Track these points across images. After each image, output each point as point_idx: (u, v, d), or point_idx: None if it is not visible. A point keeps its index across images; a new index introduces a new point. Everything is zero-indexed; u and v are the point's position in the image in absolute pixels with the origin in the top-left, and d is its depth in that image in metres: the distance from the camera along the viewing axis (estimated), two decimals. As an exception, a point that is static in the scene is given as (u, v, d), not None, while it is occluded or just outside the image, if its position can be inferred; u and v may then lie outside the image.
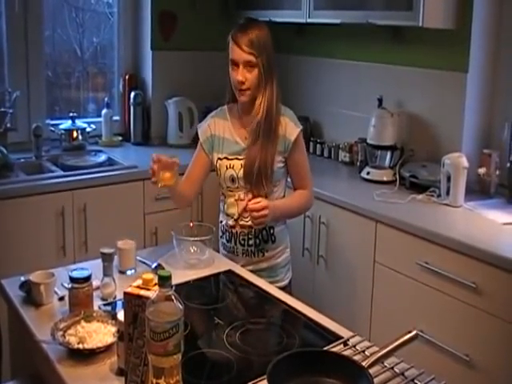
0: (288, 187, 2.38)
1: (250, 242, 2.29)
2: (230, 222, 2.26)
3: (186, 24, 3.89)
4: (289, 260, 2.41)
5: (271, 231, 2.30)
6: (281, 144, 2.24)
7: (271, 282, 2.16)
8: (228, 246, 2.34)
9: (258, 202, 2.10)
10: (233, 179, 2.27)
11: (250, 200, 2.13)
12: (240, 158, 2.25)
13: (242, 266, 2.24)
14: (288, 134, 2.24)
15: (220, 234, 2.39)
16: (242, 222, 2.23)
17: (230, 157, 2.27)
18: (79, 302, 1.71)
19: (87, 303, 1.73)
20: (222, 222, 2.37)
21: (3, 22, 3.38)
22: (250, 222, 2.18)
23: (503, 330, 2.16)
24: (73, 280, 1.72)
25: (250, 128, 2.24)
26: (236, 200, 2.25)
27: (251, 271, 2.19)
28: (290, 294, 2.12)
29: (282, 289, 2.21)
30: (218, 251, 2.39)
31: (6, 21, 3.38)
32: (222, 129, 2.31)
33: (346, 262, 2.82)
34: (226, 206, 2.32)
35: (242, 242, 2.30)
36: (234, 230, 2.29)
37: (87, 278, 1.73)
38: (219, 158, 2.29)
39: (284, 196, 2.35)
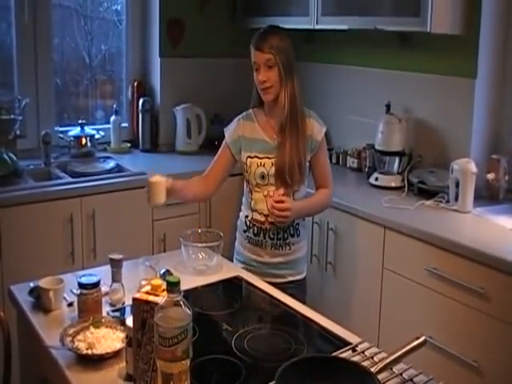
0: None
1: (279, 236, 2.38)
2: (262, 219, 2.36)
3: (194, 31, 3.90)
4: (306, 254, 2.55)
5: (297, 226, 2.41)
6: (308, 144, 2.35)
7: (293, 274, 2.43)
8: (256, 239, 2.40)
9: (282, 203, 2.23)
10: (263, 176, 2.35)
11: (276, 197, 2.26)
12: (271, 157, 2.34)
13: (268, 258, 2.39)
14: (315, 135, 2.37)
15: (243, 228, 2.45)
16: (270, 219, 2.33)
17: (260, 155, 2.36)
18: (88, 307, 1.72)
19: (96, 309, 1.73)
20: (247, 216, 2.44)
21: (13, 30, 3.41)
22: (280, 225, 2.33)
23: (513, 336, 2.15)
24: (82, 286, 1.72)
25: (278, 124, 2.34)
26: (265, 196, 2.35)
27: (276, 264, 2.38)
28: (305, 287, 2.47)
29: (302, 280, 2.48)
30: (234, 247, 2.53)
31: (15, 29, 3.41)
32: (249, 130, 2.41)
33: (355, 268, 2.82)
34: (253, 201, 2.40)
35: (272, 236, 2.38)
36: (263, 226, 2.37)
37: (96, 284, 1.73)
38: (249, 157, 2.38)
39: (305, 195, 2.44)
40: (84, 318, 1.69)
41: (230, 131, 2.45)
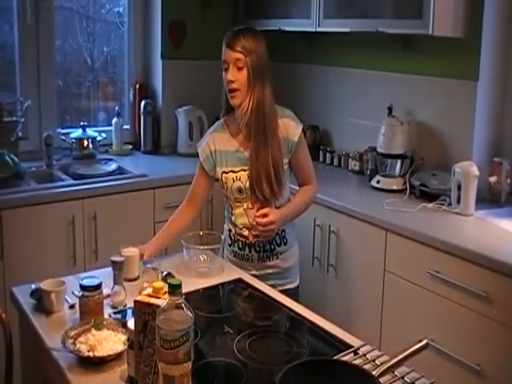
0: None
1: (266, 248, 2.31)
2: (245, 233, 2.27)
3: (195, 33, 3.91)
4: (297, 261, 2.45)
5: (283, 234, 2.33)
6: (284, 146, 2.25)
7: (284, 284, 2.32)
8: (241, 253, 2.33)
9: (265, 216, 2.15)
10: (240, 190, 2.26)
11: (257, 210, 2.18)
12: (246, 169, 2.24)
13: (256, 271, 2.30)
14: (291, 135, 2.26)
15: (229, 242, 2.37)
16: (254, 232, 2.25)
17: (235, 169, 2.27)
18: (90, 310, 1.72)
19: (97, 311, 1.73)
20: (230, 231, 2.36)
21: (15, 32, 3.42)
22: (266, 239, 2.26)
23: (515, 339, 2.15)
24: (83, 288, 1.72)
25: (249, 133, 2.23)
26: (245, 209, 2.26)
27: (266, 275, 2.27)
28: (298, 296, 2.30)
29: (295, 289, 2.37)
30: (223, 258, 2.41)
31: (18, 31, 3.42)
32: (222, 142, 2.30)
33: (356, 270, 2.81)
34: (234, 216, 2.31)
35: (258, 249, 2.31)
36: (248, 241, 2.29)
37: (97, 286, 1.73)
38: (224, 172, 2.29)
39: (289, 196, 2.36)
40: (85, 320, 1.69)
41: (201, 147, 2.34)
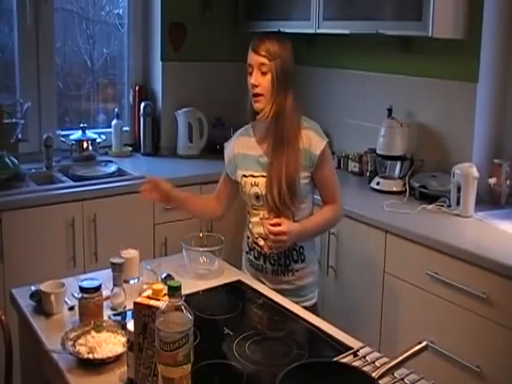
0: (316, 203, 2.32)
1: (281, 262, 2.22)
2: (260, 243, 2.19)
3: (195, 35, 3.91)
4: (316, 278, 2.34)
5: (301, 250, 2.23)
6: (305, 158, 2.16)
7: (299, 302, 2.11)
8: (256, 263, 2.27)
9: (277, 225, 2.04)
10: (257, 197, 2.21)
11: (270, 220, 2.09)
12: (265, 175, 2.18)
13: (270, 284, 2.21)
14: (313, 148, 2.16)
15: (246, 249, 2.33)
16: (270, 243, 2.12)
17: (255, 174, 2.22)
18: (89, 311, 1.72)
19: (97, 313, 1.73)
20: (248, 238, 2.31)
21: (15, 33, 3.43)
22: (277, 251, 2.17)
23: (514, 341, 2.15)
24: (83, 290, 1.72)
25: (273, 139, 2.18)
26: (261, 219, 2.17)
27: (279, 291, 2.11)
28: (317, 313, 2.05)
29: (312, 307, 2.22)
30: (240, 268, 2.36)
31: (17, 33, 3.42)
32: (246, 146, 2.28)
33: (356, 272, 2.81)
34: (250, 224, 2.27)
35: (272, 262, 2.22)
36: (263, 251, 2.21)
37: (97, 288, 1.73)
38: (244, 176, 2.25)
39: (312, 213, 2.27)
40: (85, 321, 1.69)
41: (227, 150, 2.35)
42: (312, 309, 2.17)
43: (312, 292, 2.30)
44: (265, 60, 2.13)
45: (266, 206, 2.18)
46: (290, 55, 2.21)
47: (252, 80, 2.16)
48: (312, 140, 2.17)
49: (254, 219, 2.23)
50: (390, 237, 2.60)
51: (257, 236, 2.22)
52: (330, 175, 2.24)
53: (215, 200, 2.37)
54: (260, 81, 2.15)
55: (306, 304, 2.20)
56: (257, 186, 2.20)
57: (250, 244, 2.30)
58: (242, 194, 2.28)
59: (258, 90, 2.15)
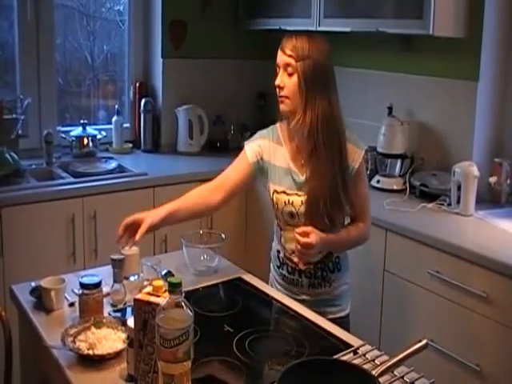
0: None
1: (317, 274, 2.08)
2: (294, 259, 2.04)
3: (196, 32, 3.90)
4: (350, 286, 2.22)
5: (337, 260, 2.11)
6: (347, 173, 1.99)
7: (334, 312, 2.06)
8: (290, 277, 2.11)
9: (306, 235, 1.87)
10: (292, 215, 2.03)
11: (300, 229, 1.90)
12: (300, 194, 2.00)
13: (306, 296, 2.09)
14: (353, 161, 1.98)
15: (277, 263, 2.17)
16: (297, 254, 1.98)
17: (289, 191, 2.02)
18: (89, 308, 1.72)
19: (97, 309, 1.73)
20: (279, 252, 2.14)
21: (16, 30, 3.42)
22: (303, 267, 2.03)
23: (514, 339, 2.15)
24: (83, 286, 1.72)
25: (307, 151, 1.98)
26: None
27: (316, 302, 2.04)
28: (348, 324, 2.05)
29: (345, 317, 2.13)
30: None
31: (18, 29, 3.41)
32: (276, 156, 2.06)
33: (356, 270, 2.80)
34: (283, 238, 2.10)
35: (309, 275, 2.08)
36: (297, 268, 2.07)
37: (97, 285, 1.73)
38: (276, 191, 2.04)
39: (343, 222, 2.10)
40: (85, 318, 1.69)
41: (251, 149, 2.08)
42: (345, 319, 2.12)
43: (346, 301, 2.19)
44: (291, 60, 1.93)
45: (301, 224, 1.97)
46: (325, 55, 1.97)
47: (276, 81, 1.97)
48: (351, 152, 1.98)
49: (288, 234, 2.05)
50: (390, 235, 2.60)
51: (290, 252, 2.07)
52: (363, 191, 2.06)
53: (214, 190, 2.06)
54: (285, 82, 1.95)
55: (340, 314, 2.11)
56: (291, 204, 2.02)
57: (281, 259, 2.14)
58: (273, 208, 2.09)
59: (282, 93, 1.96)
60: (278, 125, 2.10)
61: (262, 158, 2.07)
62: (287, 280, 2.12)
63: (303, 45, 1.93)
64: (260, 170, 2.08)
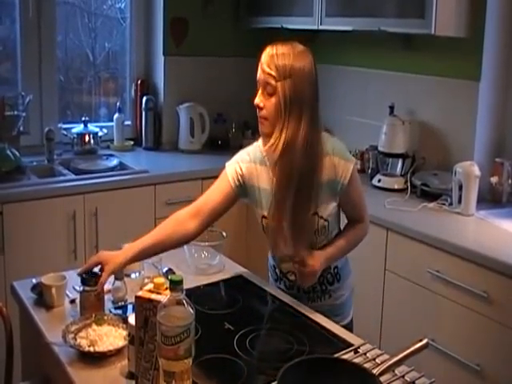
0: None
1: (316, 288, 2.00)
2: (291, 277, 1.99)
3: (197, 30, 3.90)
4: (352, 293, 2.16)
5: (335, 270, 2.03)
6: (330, 189, 1.85)
7: (336, 322, 1.89)
8: (289, 292, 2.03)
9: (304, 264, 1.82)
10: None
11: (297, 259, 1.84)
12: None
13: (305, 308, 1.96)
14: (339, 177, 1.84)
15: (274, 277, 2.10)
16: (301, 282, 1.94)
17: None
18: (90, 304, 1.72)
19: (98, 306, 1.73)
20: (275, 267, 2.07)
21: (17, 26, 3.42)
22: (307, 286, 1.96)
23: (514, 339, 2.15)
24: (84, 283, 1.72)
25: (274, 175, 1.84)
26: (289, 257, 1.92)
27: (316, 311, 1.91)
28: (351, 330, 1.96)
29: (347, 325, 2.03)
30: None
31: (19, 25, 3.41)
32: (259, 177, 1.92)
33: (357, 269, 2.80)
34: (277, 259, 2.02)
35: (307, 290, 2.00)
36: (295, 284, 2.00)
37: (98, 280, 1.73)
38: (264, 217, 1.91)
39: (339, 230, 2.02)
40: (86, 314, 1.69)
41: (233, 171, 1.93)
42: (348, 326, 2.03)
43: (348, 308, 2.12)
44: (270, 80, 1.75)
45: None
46: (308, 71, 1.78)
47: (256, 99, 1.81)
48: (338, 167, 1.84)
49: (282, 256, 1.98)
50: (391, 234, 2.60)
51: (285, 271, 2.01)
52: (356, 196, 1.96)
53: (190, 217, 1.89)
54: (265, 103, 1.79)
55: (343, 323, 2.01)
56: None
57: (278, 273, 2.06)
58: (263, 232, 1.95)
59: (262, 114, 1.81)
60: (259, 143, 1.93)
61: (244, 182, 1.92)
62: (285, 293, 2.04)
63: (284, 62, 1.74)
64: (243, 193, 1.95)
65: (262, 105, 1.79)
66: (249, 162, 1.93)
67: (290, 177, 1.78)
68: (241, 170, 1.92)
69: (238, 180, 1.92)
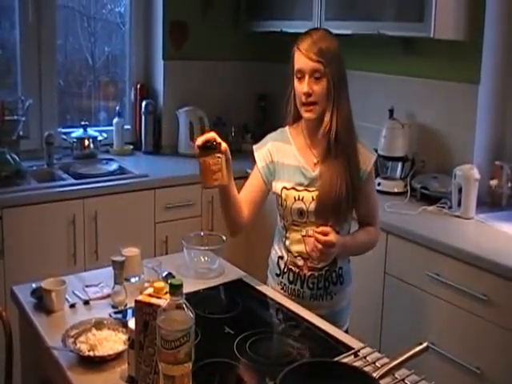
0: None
1: (320, 285, 2.01)
2: (299, 262, 2.01)
3: (197, 34, 3.91)
4: (350, 301, 2.18)
5: (340, 271, 2.06)
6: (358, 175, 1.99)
7: (337, 327, 1.86)
8: (291, 287, 2.04)
9: (326, 235, 1.85)
10: (301, 213, 1.97)
11: (319, 228, 1.88)
12: (310, 189, 1.96)
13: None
14: (365, 164, 1.99)
15: (276, 272, 2.09)
16: (310, 264, 1.99)
17: (298, 187, 1.98)
18: (218, 169, 1.79)
19: (215, 172, 1.79)
20: (281, 258, 2.07)
21: (17, 31, 3.43)
22: (319, 264, 1.98)
23: (514, 342, 2.15)
24: (209, 148, 1.79)
25: (321, 150, 1.97)
26: (303, 236, 1.98)
27: (318, 316, 1.90)
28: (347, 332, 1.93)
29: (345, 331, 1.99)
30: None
31: (19, 30, 3.42)
32: (285, 155, 2.02)
33: (357, 273, 2.80)
34: (288, 241, 2.03)
35: (311, 286, 2.01)
36: (301, 272, 2.01)
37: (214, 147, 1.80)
38: (285, 188, 1.99)
39: (349, 230, 2.09)
40: (214, 182, 1.78)
41: (260, 153, 2.05)
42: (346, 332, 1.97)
43: (345, 316, 2.14)
44: (319, 66, 1.86)
45: (309, 224, 1.96)
46: (342, 56, 1.94)
47: (305, 88, 1.88)
48: (363, 156, 1.99)
49: (294, 236, 2.01)
50: (390, 238, 2.60)
51: (296, 255, 2.01)
52: (373, 195, 2.07)
53: (242, 206, 2.01)
54: (314, 88, 1.89)
55: (342, 329, 1.97)
56: (301, 200, 1.96)
57: (282, 266, 2.07)
58: (279, 207, 2.03)
59: (311, 99, 1.90)
60: (286, 128, 2.07)
61: (271, 161, 2.03)
62: (288, 290, 2.05)
63: (327, 47, 1.88)
64: (270, 173, 2.03)
65: (311, 91, 1.88)
66: (269, 141, 2.06)
67: (346, 151, 1.93)
68: (268, 150, 2.04)
69: (268, 156, 2.03)
